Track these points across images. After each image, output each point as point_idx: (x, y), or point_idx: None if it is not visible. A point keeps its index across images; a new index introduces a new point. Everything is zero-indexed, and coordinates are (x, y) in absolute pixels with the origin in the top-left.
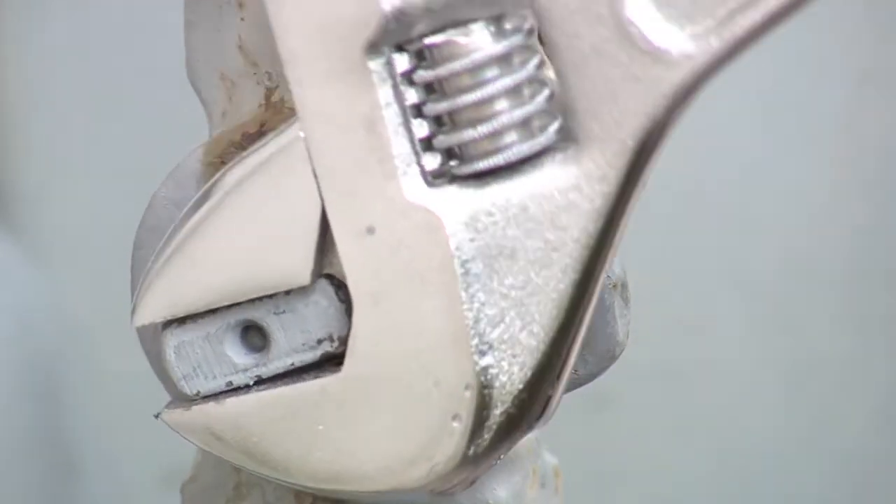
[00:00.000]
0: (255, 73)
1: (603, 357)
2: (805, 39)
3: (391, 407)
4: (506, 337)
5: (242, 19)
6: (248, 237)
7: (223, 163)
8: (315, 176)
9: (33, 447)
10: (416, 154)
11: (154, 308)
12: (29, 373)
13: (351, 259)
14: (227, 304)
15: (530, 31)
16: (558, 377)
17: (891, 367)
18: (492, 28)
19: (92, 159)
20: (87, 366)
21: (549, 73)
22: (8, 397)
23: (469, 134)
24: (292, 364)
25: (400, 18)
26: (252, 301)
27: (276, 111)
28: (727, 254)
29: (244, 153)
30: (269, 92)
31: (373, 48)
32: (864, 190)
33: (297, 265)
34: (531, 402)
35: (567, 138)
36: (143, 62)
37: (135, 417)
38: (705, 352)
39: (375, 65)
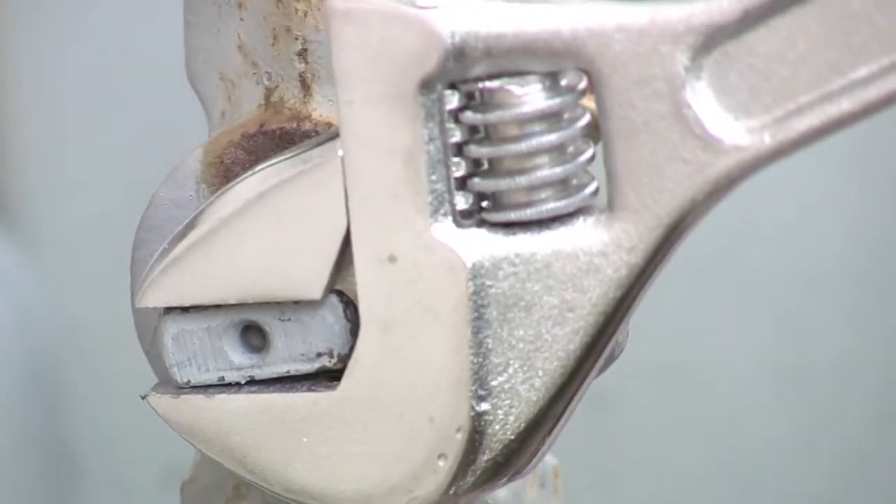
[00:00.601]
0: (254, 74)
1: (603, 357)
2: None
3: (380, 434)
4: (506, 386)
5: (242, 20)
6: (269, 243)
7: (223, 162)
8: (346, 196)
9: (33, 447)
10: (450, 192)
11: (163, 293)
12: (29, 373)
13: (367, 284)
14: (234, 302)
15: (584, 92)
16: (548, 434)
17: (891, 367)
18: (547, 83)
19: (92, 159)
20: (87, 366)
21: (595, 134)
22: (8, 397)
23: (506, 183)
24: (287, 371)
25: (460, 59)
26: (260, 304)
27: (275, 111)
28: (728, 254)
29: (279, 157)
30: (269, 92)
31: (427, 83)
32: (864, 189)
33: (312, 279)
34: (519, 454)
35: (601, 202)
36: (142, 62)
37: (135, 417)
38: (705, 352)
39: (426, 99)
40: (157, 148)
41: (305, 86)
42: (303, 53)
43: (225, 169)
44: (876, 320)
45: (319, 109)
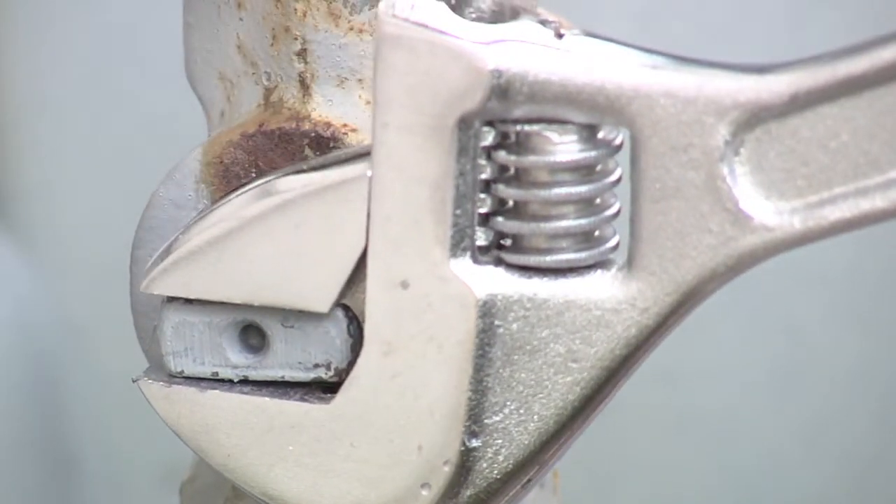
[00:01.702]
0: (253, 74)
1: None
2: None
3: (367, 454)
4: (500, 426)
5: (241, 20)
6: (284, 250)
7: (222, 162)
8: (368, 216)
9: (33, 447)
10: (472, 228)
11: (171, 282)
12: (29, 373)
13: (377, 305)
14: (241, 302)
15: (620, 147)
16: (531, 479)
17: (891, 367)
18: (584, 133)
19: (92, 159)
20: (87, 366)
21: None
22: (8, 397)
23: (530, 227)
24: (282, 377)
25: (503, 99)
26: (265, 307)
27: (274, 111)
28: None
29: (306, 164)
30: (268, 92)
31: (466, 119)
32: None
33: (321, 293)
34: (501, 494)
35: (621, 257)
36: (142, 62)
37: (134, 417)
38: (705, 352)
39: (462, 134)
40: (157, 148)
41: (304, 86)
42: (302, 53)
43: (224, 169)
44: (881, 323)
45: (319, 110)
